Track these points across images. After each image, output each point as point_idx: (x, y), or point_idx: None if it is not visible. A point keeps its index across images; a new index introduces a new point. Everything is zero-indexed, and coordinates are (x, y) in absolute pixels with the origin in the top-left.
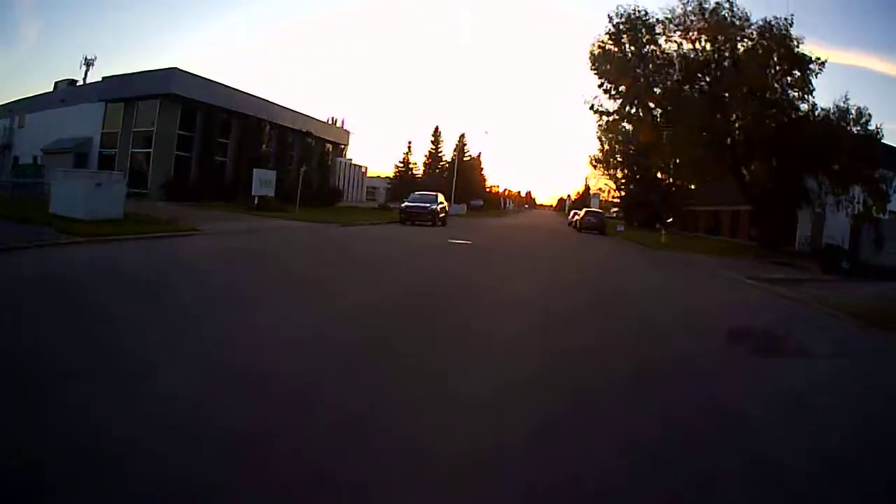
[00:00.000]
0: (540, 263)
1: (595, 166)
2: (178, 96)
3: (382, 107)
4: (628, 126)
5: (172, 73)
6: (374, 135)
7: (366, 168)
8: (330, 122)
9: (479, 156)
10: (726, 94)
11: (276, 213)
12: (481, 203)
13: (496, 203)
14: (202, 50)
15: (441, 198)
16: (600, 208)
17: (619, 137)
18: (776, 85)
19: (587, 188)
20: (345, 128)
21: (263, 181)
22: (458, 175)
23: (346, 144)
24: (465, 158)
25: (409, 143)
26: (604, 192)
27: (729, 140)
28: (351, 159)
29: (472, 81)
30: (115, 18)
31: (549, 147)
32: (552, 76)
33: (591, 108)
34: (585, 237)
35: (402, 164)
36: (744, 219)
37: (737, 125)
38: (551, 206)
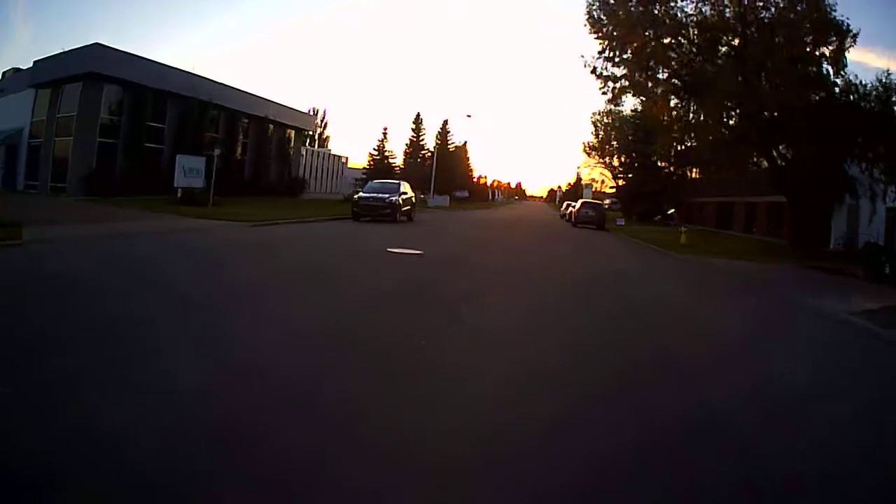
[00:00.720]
0: (518, 295)
1: (589, 154)
2: (101, 76)
3: (369, 97)
4: (634, 99)
5: (93, 49)
6: (360, 126)
7: (346, 158)
8: (311, 113)
9: (464, 144)
10: (764, 62)
11: (199, 207)
12: (467, 194)
13: (483, 194)
14: (203, 48)
15: (406, 187)
16: (593, 200)
17: (616, 123)
18: (813, 56)
19: (579, 179)
20: (312, 113)
21: (188, 169)
22: (440, 164)
23: (313, 130)
24: (448, 146)
25: (385, 129)
26: (597, 182)
27: (763, 117)
28: (330, 150)
29: (459, 69)
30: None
31: (540, 138)
32: (544, 64)
33: (594, 71)
34: (583, 234)
35: (377, 153)
36: (762, 212)
37: (772, 99)
38: (542, 197)
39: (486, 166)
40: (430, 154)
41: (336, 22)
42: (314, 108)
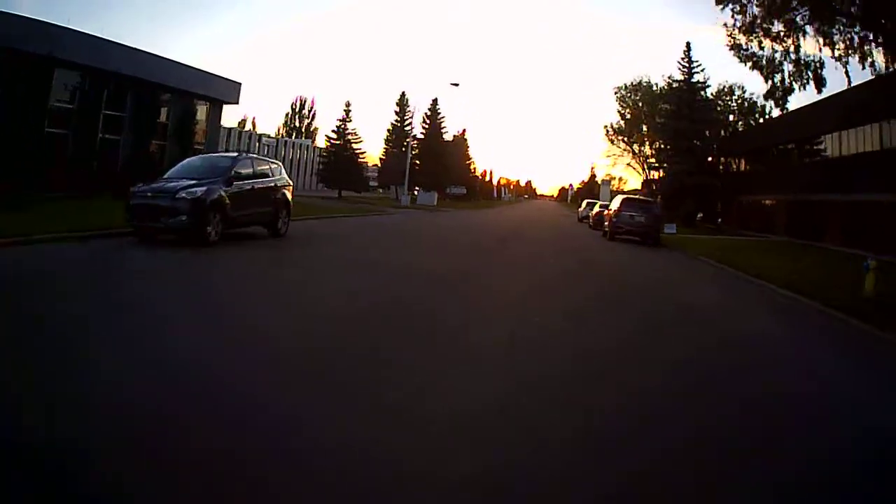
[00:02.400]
0: None
1: (613, 139)
2: None
3: (367, 91)
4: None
5: None
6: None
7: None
8: (298, 102)
9: (463, 133)
10: None
11: None
12: (464, 191)
13: (488, 192)
14: (204, 47)
15: (274, 167)
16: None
17: (643, 97)
18: None
19: (593, 176)
20: (299, 103)
21: None
22: (429, 154)
23: (236, 101)
24: (440, 133)
25: (348, 104)
26: (616, 179)
27: None
28: (268, 133)
29: (470, 67)
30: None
31: (551, 136)
32: (556, 64)
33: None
34: (633, 257)
35: (336, 135)
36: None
37: None
38: (552, 196)
39: (495, 163)
40: (419, 143)
41: (333, 14)
42: (301, 97)
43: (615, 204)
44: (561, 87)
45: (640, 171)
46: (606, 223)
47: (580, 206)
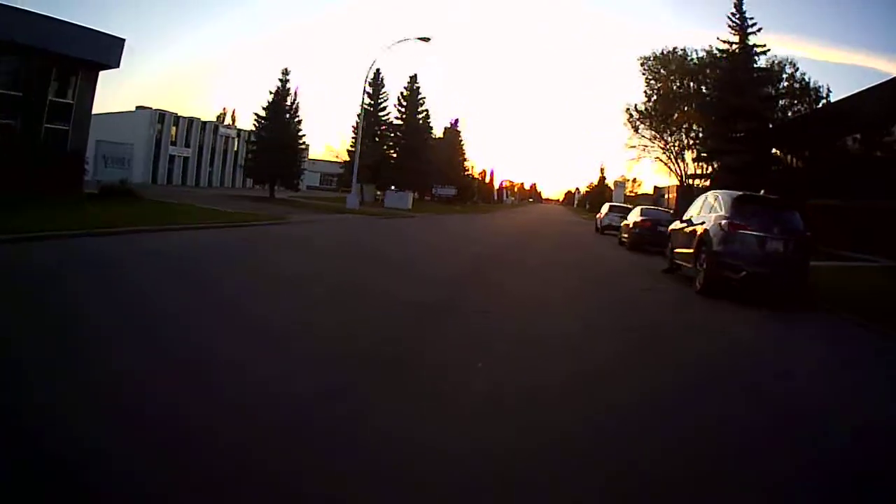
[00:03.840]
0: None
1: (636, 125)
2: None
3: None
4: None
5: None
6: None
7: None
8: (279, 86)
9: (455, 124)
10: None
11: None
12: (454, 192)
13: (487, 194)
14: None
15: None
16: (624, 203)
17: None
18: None
19: (602, 178)
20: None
21: None
22: (408, 144)
23: (116, 65)
24: (418, 118)
25: (286, 71)
26: (629, 182)
27: None
28: (230, 125)
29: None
30: None
31: (557, 139)
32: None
33: None
34: (788, 347)
35: (267, 113)
36: None
37: None
38: (558, 200)
39: (498, 164)
40: (397, 128)
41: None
42: (283, 79)
43: (706, 210)
44: (566, 90)
45: (673, 167)
46: (683, 249)
47: (600, 213)
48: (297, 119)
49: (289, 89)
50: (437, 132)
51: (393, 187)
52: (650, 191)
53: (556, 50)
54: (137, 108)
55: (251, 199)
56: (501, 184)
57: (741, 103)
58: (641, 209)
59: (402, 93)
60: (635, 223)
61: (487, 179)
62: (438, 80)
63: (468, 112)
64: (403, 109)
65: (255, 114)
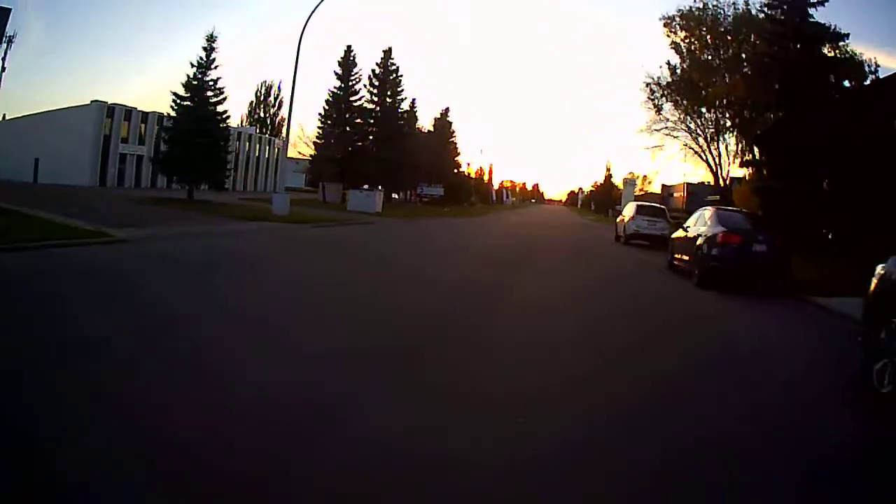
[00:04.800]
0: None
1: (658, 104)
2: None
3: None
4: None
5: None
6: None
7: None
8: (262, 88)
9: (445, 114)
10: None
11: None
12: (441, 192)
13: (485, 194)
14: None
15: None
16: (657, 202)
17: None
18: None
19: (609, 176)
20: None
21: None
22: (381, 133)
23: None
24: (396, 101)
25: (212, 37)
26: (640, 178)
27: None
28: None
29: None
30: None
31: (559, 138)
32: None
33: None
34: None
35: (187, 91)
36: None
37: None
38: (561, 200)
39: (498, 164)
40: (366, 114)
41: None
42: (266, 83)
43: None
44: (568, 89)
45: (705, 155)
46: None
47: (623, 217)
48: (220, 97)
49: (213, 59)
50: (429, 126)
51: (366, 186)
52: (658, 190)
53: (557, 49)
54: (93, 101)
55: (156, 202)
56: (501, 184)
57: (808, 59)
58: (713, 213)
59: (373, 70)
60: (710, 240)
61: (486, 178)
62: (439, 80)
63: (466, 111)
64: (376, 91)
65: (174, 93)
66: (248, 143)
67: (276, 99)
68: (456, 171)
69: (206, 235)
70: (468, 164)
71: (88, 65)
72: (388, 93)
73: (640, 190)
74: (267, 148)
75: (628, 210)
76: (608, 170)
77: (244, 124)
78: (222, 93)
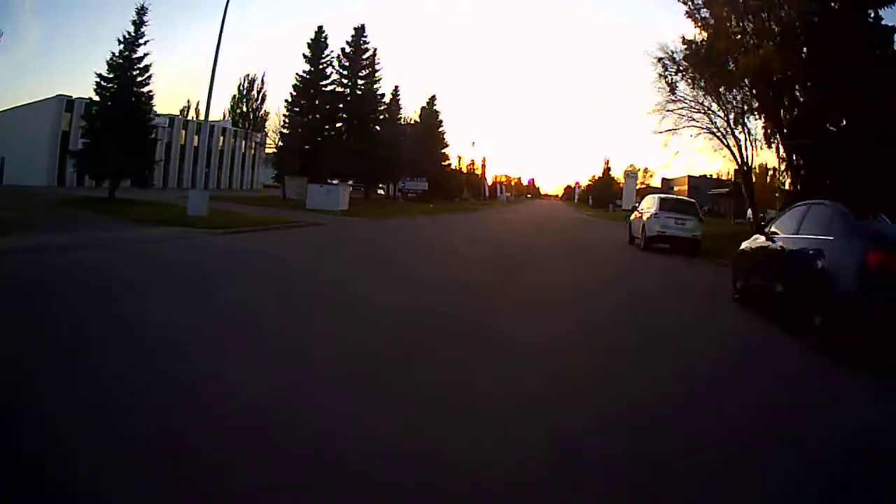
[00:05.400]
0: None
1: (672, 82)
2: None
3: None
4: None
5: None
6: None
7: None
8: (245, 81)
9: (432, 102)
10: None
11: None
12: (425, 187)
13: (477, 188)
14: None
15: None
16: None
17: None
18: None
19: (607, 170)
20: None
21: None
22: (352, 118)
23: None
24: (373, 84)
25: (142, 9)
26: (641, 171)
27: None
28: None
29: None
30: None
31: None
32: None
33: None
34: None
35: (111, 72)
36: None
37: None
38: (557, 195)
39: (492, 157)
40: (336, 98)
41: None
42: (249, 76)
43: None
44: (564, 84)
45: (728, 140)
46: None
47: (639, 213)
48: (147, 80)
49: (143, 33)
50: (417, 118)
51: (335, 181)
52: (658, 184)
53: (555, 46)
54: (57, 95)
55: (67, 203)
56: (496, 178)
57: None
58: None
59: (342, 49)
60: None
61: (479, 173)
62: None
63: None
64: (346, 72)
65: (98, 74)
66: (221, 138)
67: (258, 93)
68: (444, 164)
69: (69, 249)
70: (458, 158)
71: (59, 61)
72: (361, 74)
73: (642, 183)
74: (243, 143)
75: (648, 204)
76: (607, 163)
77: (227, 119)
78: (147, 71)
